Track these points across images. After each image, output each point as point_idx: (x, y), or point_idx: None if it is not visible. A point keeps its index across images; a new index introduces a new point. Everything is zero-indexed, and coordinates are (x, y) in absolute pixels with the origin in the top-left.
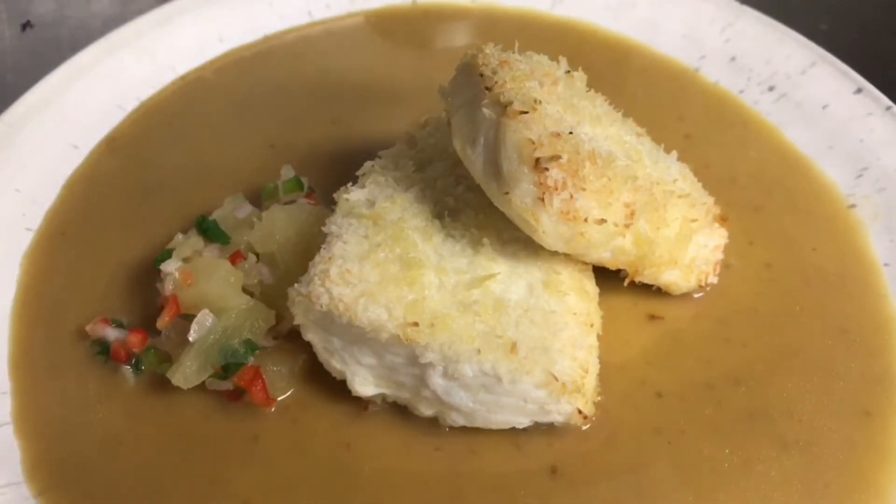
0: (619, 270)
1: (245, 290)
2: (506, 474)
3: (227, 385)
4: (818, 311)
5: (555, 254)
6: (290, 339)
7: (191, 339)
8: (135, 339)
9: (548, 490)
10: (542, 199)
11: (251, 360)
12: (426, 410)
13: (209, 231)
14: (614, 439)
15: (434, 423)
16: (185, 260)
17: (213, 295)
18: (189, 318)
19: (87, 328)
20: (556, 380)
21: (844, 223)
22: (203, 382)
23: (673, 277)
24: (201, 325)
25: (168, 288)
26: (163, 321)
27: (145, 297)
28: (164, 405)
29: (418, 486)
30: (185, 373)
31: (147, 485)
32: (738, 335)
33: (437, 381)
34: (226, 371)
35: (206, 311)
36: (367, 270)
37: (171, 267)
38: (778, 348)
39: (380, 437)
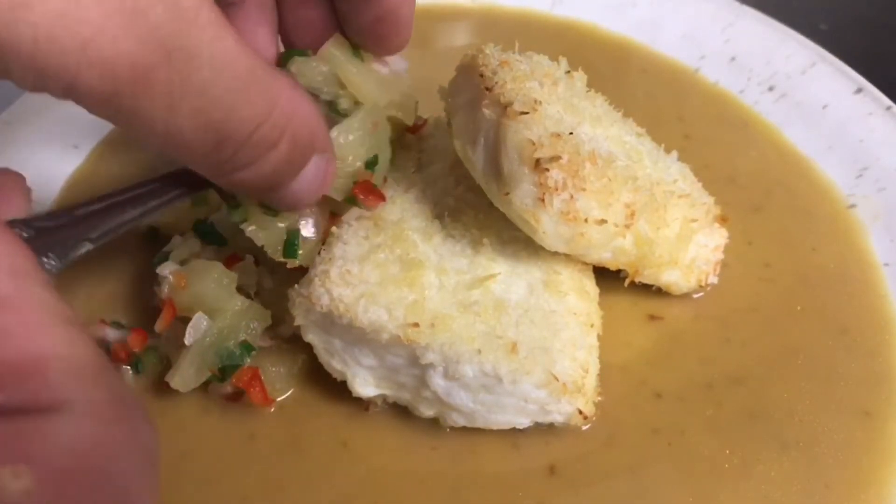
0: (619, 270)
1: (241, 292)
2: (504, 474)
3: (226, 388)
4: (818, 311)
5: (555, 254)
6: (289, 339)
7: (187, 342)
8: (135, 339)
9: (546, 490)
10: (543, 200)
11: (248, 362)
12: (427, 411)
13: (207, 233)
14: (613, 439)
15: (432, 423)
16: (183, 262)
17: (206, 297)
18: (187, 320)
19: (87, 331)
20: (557, 380)
21: (844, 223)
22: (203, 384)
23: (673, 277)
24: (196, 329)
25: (164, 291)
26: (160, 325)
27: (146, 298)
28: (163, 405)
29: (416, 486)
30: (183, 376)
31: None
32: (738, 335)
33: (437, 381)
34: (223, 373)
35: (200, 313)
36: (368, 271)
37: (166, 270)
38: (778, 348)
39: (378, 436)
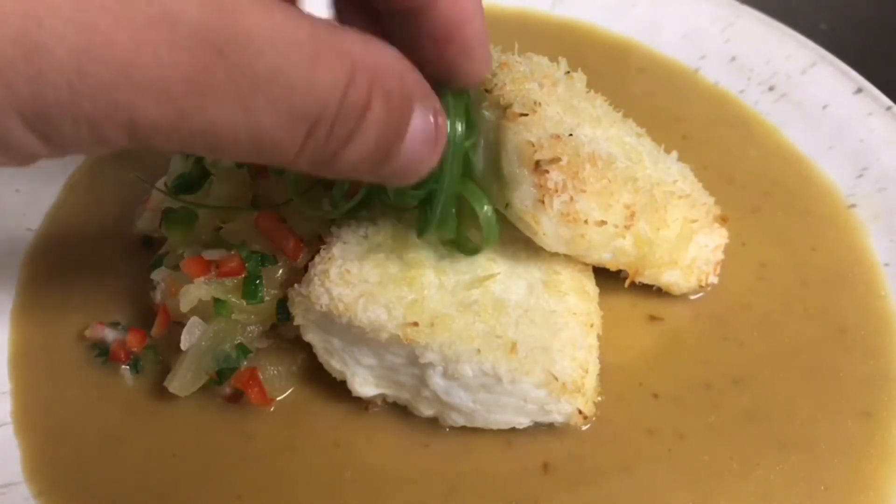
0: (619, 271)
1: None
2: (498, 472)
3: (226, 388)
4: (818, 312)
5: (555, 254)
6: (290, 339)
7: (183, 348)
8: (134, 339)
9: (540, 487)
10: (543, 202)
11: (244, 364)
12: (426, 411)
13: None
14: (607, 438)
15: (429, 422)
16: (175, 268)
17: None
18: (184, 324)
19: (86, 332)
20: (556, 380)
21: (844, 223)
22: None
23: (673, 278)
24: (190, 334)
25: (157, 296)
26: (156, 330)
27: (145, 299)
28: (162, 404)
29: (411, 484)
30: (181, 381)
31: (145, 483)
32: (738, 336)
33: (437, 381)
34: (220, 376)
35: (195, 318)
36: (367, 270)
37: (159, 276)
38: (778, 349)
39: (374, 435)
